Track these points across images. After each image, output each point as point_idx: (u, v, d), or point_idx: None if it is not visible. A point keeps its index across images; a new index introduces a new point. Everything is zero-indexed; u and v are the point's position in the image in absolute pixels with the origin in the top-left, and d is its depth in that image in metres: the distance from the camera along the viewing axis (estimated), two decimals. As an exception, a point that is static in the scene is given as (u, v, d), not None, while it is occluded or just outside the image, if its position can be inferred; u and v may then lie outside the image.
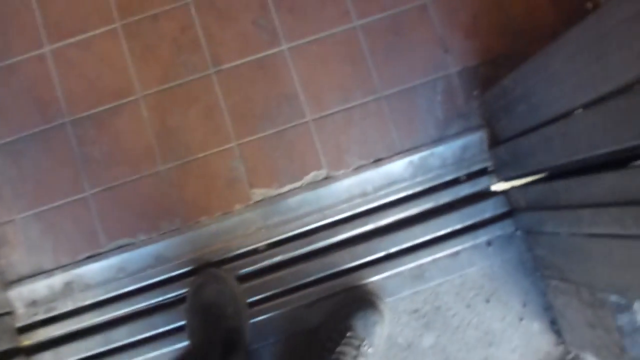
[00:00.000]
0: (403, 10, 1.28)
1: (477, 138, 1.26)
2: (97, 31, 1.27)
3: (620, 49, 0.74)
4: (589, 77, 0.83)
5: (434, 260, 1.25)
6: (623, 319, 1.00)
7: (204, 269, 1.21)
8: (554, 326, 1.26)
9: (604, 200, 0.88)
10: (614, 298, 1.01)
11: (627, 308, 1.00)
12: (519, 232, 1.26)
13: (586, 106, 0.85)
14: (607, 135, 0.81)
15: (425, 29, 1.28)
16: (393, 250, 1.24)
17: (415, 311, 1.25)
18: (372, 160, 1.25)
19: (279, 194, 1.23)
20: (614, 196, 0.85)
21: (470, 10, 1.29)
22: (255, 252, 1.24)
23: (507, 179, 1.24)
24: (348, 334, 1.13)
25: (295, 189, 1.24)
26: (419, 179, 1.25)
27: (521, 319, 1.26)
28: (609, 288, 0.97)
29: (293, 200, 1.23)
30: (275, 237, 1.24)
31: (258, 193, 1.23)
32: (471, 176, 1.28)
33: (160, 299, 1.23)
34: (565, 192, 1.00)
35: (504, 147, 1.19)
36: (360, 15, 1.27)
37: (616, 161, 0.91)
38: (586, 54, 0.82)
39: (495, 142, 1.24)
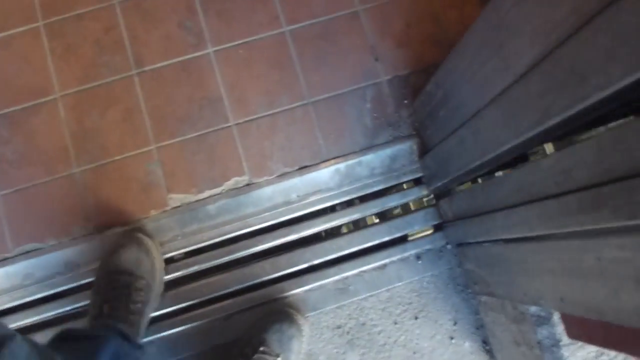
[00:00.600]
0: (334, 17, 1.26)
1: (407, 147, 1.22)
2: (19, 29, 1.23)
3: (515, 37, 0.71)
4: (493, 71, 0.79)
5: (360, 273, 1.19)
6: (543, 333, 0.94)
7: (132, 232, 1.14)
8: (486, 346, 1.20)
9: (512, 200, 0.84)
10: (533, 310, 0.95)
11: (546, 320, 0.94)
12: (449, 246, 1.20)
13: (491, 101, 0.82)
14: (507, 129, 0.77)
15: (356, 36, 1.25)
16: (317, 261, 1.18)
17: (339, 327, 1.18)
18: (297, 167, 1.20)
19: (198, 200, 1.18)
20: (520, 195, 0.81)
21: (403, 19, 1.27)
22: (171, 260, 1.17)
23: (436, 190, 1.20)
24: (261, 349, 1.06)
25: (215, 195, 1.18)
26: (345, 188, 1.20)
27: (452, 338, 1.20)
28: (526, 298, 0.91)
29: (212, 207, 1.17)
30: (192, 245, 1.17)
31: (176, 198, 1.17)
32: (400, 186, 1.23)
33: (70, 307, 1.16)
34: (482, 196, 0.96)
35: (430, 155, 1.15)
36: (290, 20, 1.25)
37: (521, 157, 0.88)
38: (488, 47, 0.79)
39: (425, 151, 1.20)
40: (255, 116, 1.21)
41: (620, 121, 0.71)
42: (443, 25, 1.27)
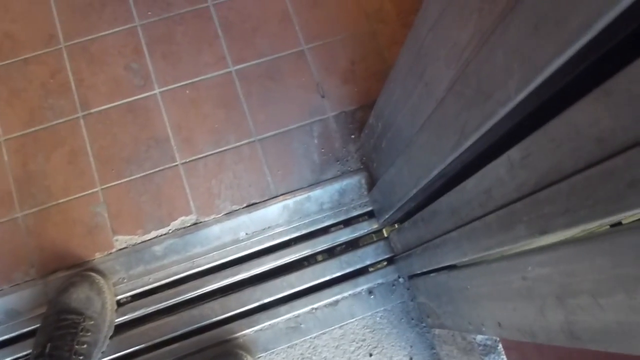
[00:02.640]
0: (280, 56, 1.28)
1: (355, 182, 1.22)
2: (-37, 76, 1.23)
3: (433, 61, 0.72)
4: (419, 97, 0.81)
5: (312, 311, 1.16)
6: (490, 362, 0.93)
7: (84, 270, 1.10)
8: (444, 382, 1.17)
9: (447, 226, 0.83)
10: (479, 339, 0.94)
11: (492, 349, 0.92)
12: (401, 279, 1.19)
13: (420, 128, 0.82)
14: (434, 154, 0.77)
15: (302, 74, 1.27)
16: (267, 300, 1.16)
17: (292, 368, 1.14)
18: (245, 205, 1.19)
19: (144, 241, 1.16)
20: (452, 220, 0.80)
21: (348, 56, 1.29)
22: (117, 304, 1.14)
23: (386, 223, 1.19)
24: (209, 393, 1.02)
25: (161, 235, 1.16)
26: (294, 225, 1.19)
27: (408, 375, 1.17)
28: (470, 327, 0.90)
29: (159, 248, 1.15)
30: (139, 287, 1.14)
31: (121, 240, 1.15)
32: (351, 221, 1.23)
33: (10, 359, 1.11)
34: (423, 225, 0.95)
35: (377, 188, 1.15)
36: (237, 60, 1.26)
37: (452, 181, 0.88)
38: (413, 74, 0.80)
39: (373, 184, 1.20)
40: (202, 155, 1.20)
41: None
42: (388, 62, 1.30)
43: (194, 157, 1.20)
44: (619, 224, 0.61)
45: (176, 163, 1.19)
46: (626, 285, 0.46)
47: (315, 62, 1.28)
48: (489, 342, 0.93)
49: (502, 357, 0.91)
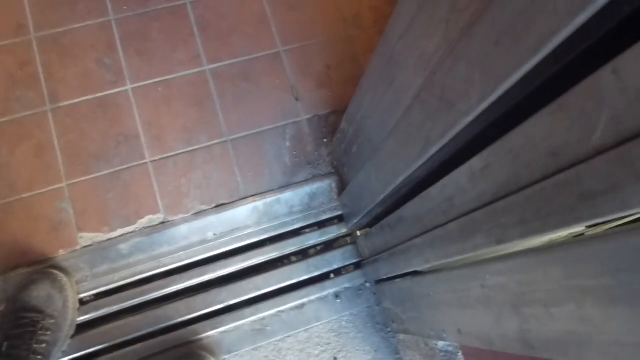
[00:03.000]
0: (256, 57, 1.27)
1: (326, 185, 1.22)
2: None
3: (402, 69, 0.73)
4: (388, 104, 0.81)
5: (278, 314, 1.16)
6: (451, 369, 0.93)
7: (46, 267, 1.07)
8: (407, 387, 1.17)
9: (411, 233, 0.84)
10: (441, 345, 0.94)
11: (453, 356, 0.93)
12: (368, 284, 1.20)
13: (389, 134, 0.83)
14: (400, 160, 0.78)
15: (277, 76, 1.27)
16: (233, 302, 1.15)
17: (255, 370, 1.14)
18: (214, 205, 1.18)
19: (110, 239, 1.14)
20: (417, 227, 0.81)
21: (324, 60, 1.29)
22: (80, 302, 1.12)
23: (354, 227, 1.20)
24: (170, 395, 1.01)
25: (128, 233, 1.15)
26: (264, 227, 1.18)
27: (372, 380, 1.17)
28: (432, 333, 0.91)
29: (125, 246, 1.14)
30: (103, 286, 1.12)
31: (86, 237, 1.13)
32: (320, 225, 1.23)
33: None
34: (390, 230, 0.96)
35: (347, 192, 1.15)
36: (212, 59, 1.26)
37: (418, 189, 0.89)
38: (384, 81, 0.81)
39: (343, 189, 1.20)
40: (172, 153, 1.19)
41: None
42: (363, 68, 1.30)
43: (163, 155, 1.19)
44: (582, 234, 0.62)
45: (145, 161, 1.18)
46: (576, 295, 0.47)
47: (290, 65, 1.28)
48: (450, 349, 0.93)
49: (462, 364, 0.92)
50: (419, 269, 0.86)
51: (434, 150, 0.65)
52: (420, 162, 0.71)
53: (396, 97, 0.76)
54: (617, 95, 0.36)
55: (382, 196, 0.91)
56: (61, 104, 1.19)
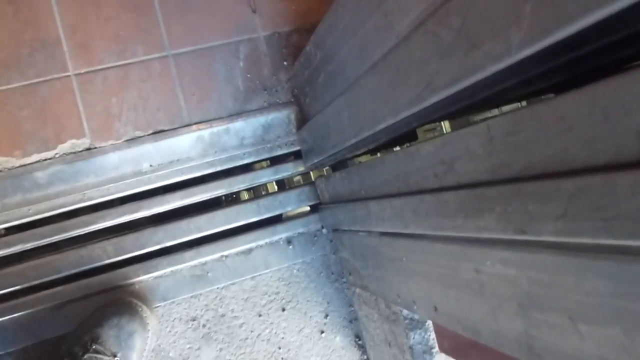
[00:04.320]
0: (207, -45, 1.06)
1: (283, 116, 1.06)
2: None
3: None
4: (374, 30, 0.65)
5: (221, 259, 1.03)
6: (415, 338, 0.84)
7: None
8: (358, 340, 1.09)
9: (388, 190, 0.71)
10: (406, 312, 0.85)
11: (420, 325, 0.84)
12: (324, 230, 1.08)
13: (371, 68, 0.67)
14: (385, 104, 0.63)
15: (232, -20, 1.06)
16: (170, 243, 1.01)
17: (194, 319, 1.02)
18: (151, 131, 1.01)
19: (24, 165, 0.95)
20: (396, 184, 0.68)
21: (289, -34, 1.09)
22: (-14, 238, 0.95)
23: (314, 166, 1.06)
24: (94, 347, 0.88)
25: (46, 160, 0.96)
26: (209, 159, 1.02)
27: (322, 332, 1.08)
28: (399, 300, 0.80)
29: (42, 175, 0.95)
30: (16, 219, 0.95)
31: (-7, 162, 0.94)
32: (274, 161, 1.08)
33: None
34: (358, 180, 0.83)
35: (308, 127, 1.00)
36: (152, -47, 1.03)
37: (404, 139, 0.75)
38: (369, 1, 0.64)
39: (304, 122, 1.05)
40: (101, 66, 0.99)
41: (518, 104, 0.60)
42: (333, -21, 1.11)
43: (91, 69, 0.99)
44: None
45: (68, 73, 0.98)
46: (625, 321, 0.36)
47: (248, -32, 1.07)
48: (416, 317, 0.84)
49: (429, 334, 0.83)
50: (391, 231, 0.74)
51: (435, 98, 0.51)
52: (413, 111, 0.56)
53: (387, 22, 0.60)
54: None
55: (353, 140, 0.77)
56: (-41, -6, 0.95)
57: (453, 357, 0.78)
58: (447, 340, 0.78)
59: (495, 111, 0.67)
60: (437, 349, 0.82)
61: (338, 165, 0.98)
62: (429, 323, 0.82)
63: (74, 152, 0.97)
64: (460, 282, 0.57)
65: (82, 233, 0.98)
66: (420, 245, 0.66)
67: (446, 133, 0.52)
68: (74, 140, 0.97)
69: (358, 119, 0.73)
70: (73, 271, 0.97)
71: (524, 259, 0.45)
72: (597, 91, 0.33)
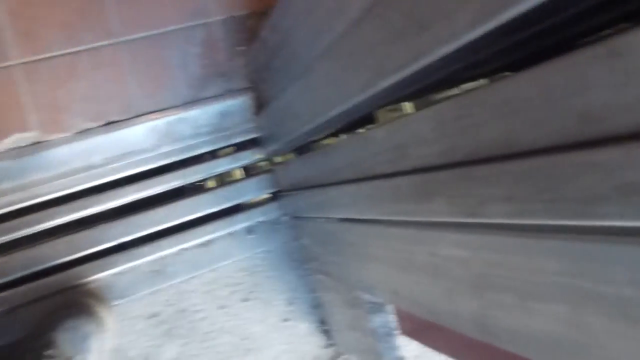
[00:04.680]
0: (155, -63, 1.01)
1: (240, 103, 1.03)
2: None
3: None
4: (327, 12, 0.63)
5: (180, 252, 1.00)
6: (377, 321, 0.84)
7: None
8: (323, 326, 1.09)
9: (344, 175, 0.70)
10: (367, 296, 0.84)
11: (380, 308, 0.83)
12: (285, 218, 1.06)
13: (324, 52, 0.65)
14: (337, 89, 0.61)
15: (182, -37, 1.02)
16: (126, 239, 0.97)
17: (154, 315, 0.99)
18: (102, 123, 0.97)
19: (-35, 162, 0.91)
20: (351, 170, 0.67)
21: (241, -51, 1.06)
22: None
23: (273, 153, 1.04)
24: (47, 353, 0.85)
25: (-11, 155, 0.92)
26: (164, 150, 0.99)
27: (286, 320, 1.07)
28: (360, 284, 0.80)
29: (-14, 171, 0.91)
30: (-42, 219, 0.91)
31: None
32: (231, 149, 1.06)
33: None
34: (315, 166, 0.81)
35: (265, 113, 0.98)
36: None
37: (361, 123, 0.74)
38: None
39: (262, 108, 1.02)
40: (47, 55, 0.95)
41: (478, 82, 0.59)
42: (288, -39, 1.08)
43: (36, 57, 0.94)
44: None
45: (11, 63, 0.93)
46: (572, 297, 0.35)
47: (199, -49, 1.03)
48: (377, 300, 0.83)
49: (390, 317, 0.82)
50: (349, 217, 0.72)
51: (386, 83, 0.49)
52: (364, 97, 0.55)
53: (338, 4, 0.58)
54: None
55: (309, 126, 0.75)
56: None
57: (414, 338, 0.77)
58: (408, 322, 0.78)
59: (456, 90, 0.67)
60: (398, 331, 0.81)
61: (301, 150, 0.96)
62: (390, 306, 0.82)
63: (20, 147, 0.93)
64: (416, 265, 0.56)
65: (32, 232, 0.94)
66: (376, 230, 0.65)
67: (402, 116, 0.51)
68: (19, 134, 0.93)
69: (313, 105, 0.71)
70: (22, 273, 0.93)
71: (474, 241, 0.44)
72: (539, 73, 0.32)
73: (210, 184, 1.11)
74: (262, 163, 1.07)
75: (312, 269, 1.04)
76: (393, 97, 0.61)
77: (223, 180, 1.08)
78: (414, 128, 0.48)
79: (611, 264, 0.32)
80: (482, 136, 0.38)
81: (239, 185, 1.04)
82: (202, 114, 1.01)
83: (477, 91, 0.38)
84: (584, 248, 0.33)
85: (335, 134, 0.86)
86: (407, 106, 0.72)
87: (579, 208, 0.31)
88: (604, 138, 0.28)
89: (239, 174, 1.09)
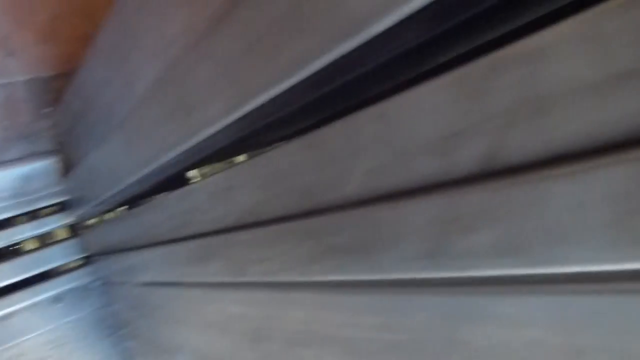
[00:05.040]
0: (-50, -6, 0.97)
1: (46, 166, 1.00)
2: None
3: (138, 49, 0.58)
4: (121, 86, 0.66)
5: (-26, 327, 0.92)
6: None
7: None
8: (139, 394, 1.06)
9: (144, 240, 0.72)
10: (177, 358, 0.85)
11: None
12: (97, 284, 1.03)
13: (119, 124, 0.68)
14: (131, 160, 0.64)
15: (-18, 22, 0.99)
16: None
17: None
18: None
19: None
20: (151, 234, 0.69)
21: (49, 9, 1.05)
22: None
23: (83, 217, 1.01)
24: None
25: None
26: (-43, 217, 0.92)
27: (98, 391, 1.02)
28: (170, 348, 0.80)
29: None
30: None
31: None
32: (37, 214, 1.01)
33: None
34: (122, 231, 0.82)
35: (72, 176, 0.96)
36: None
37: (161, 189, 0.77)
38: (117, 56, 0.65)
39: (68, 171, 1.00)
40: None
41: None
42: (97, 24, 1.09)
43: None
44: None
45: None
46: (316, 341, 0.42)
47: (4, 9, 1.01)
48: (188, 361, 0.85)
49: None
50: (154, 280, 0.74)
51: (167, 157, 0.53)
52: (149, 169, 0.58)
53: (129, 80, 0.62)
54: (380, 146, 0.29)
55: (111, 192, 0.76)
56: None
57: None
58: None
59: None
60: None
61: (107, 214, 0.95)
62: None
63: None
64: (210, 324, 0.60)
65: None
66: (176, 292, 0.67)
67: (185, 186, 0.55)
68: None
69: (113, 172, 0.73)
70: None
71: (249, 297, 0.49)
72: (277, 157, 0.38)
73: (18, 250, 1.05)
74: (72, 227, 1.03)
75: (124, 334, 1.02)
76: (188, 163, 0.65)
77: (23, 248, 1.02)
78: (194, 197, 0.52)
79: (336, 308, 0.38)
80: (243, 204, 0.44)
81: (43, 252, 0.99)
82: (3, 178, 0.96)
83: (238, 166, 0.44)
84: (323, 298, 0.40)
85: (153, 193, 0.88)
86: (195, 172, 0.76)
87: (301, 268, 0.38)
88: (316, 209, 0.35)
89: (50, 238, 1.04)
